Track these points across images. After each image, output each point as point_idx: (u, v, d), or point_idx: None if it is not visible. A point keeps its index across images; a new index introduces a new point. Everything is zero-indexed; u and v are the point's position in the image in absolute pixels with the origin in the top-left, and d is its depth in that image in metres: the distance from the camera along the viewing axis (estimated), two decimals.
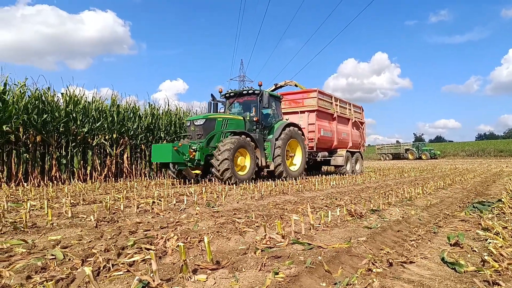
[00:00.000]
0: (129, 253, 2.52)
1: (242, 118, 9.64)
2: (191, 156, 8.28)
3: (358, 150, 15.42)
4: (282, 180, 9.62)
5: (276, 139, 9.89)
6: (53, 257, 2.43)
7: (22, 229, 3.26)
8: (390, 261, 2.43)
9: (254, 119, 9.85)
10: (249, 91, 10.18)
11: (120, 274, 2.12)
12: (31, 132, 8.91)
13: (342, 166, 13.49)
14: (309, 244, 2.77)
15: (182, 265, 2.07)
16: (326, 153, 13.38)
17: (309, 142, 12.30)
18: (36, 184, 8.58)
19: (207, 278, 2.05)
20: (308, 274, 2.14)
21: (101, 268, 2.20)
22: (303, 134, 11.21)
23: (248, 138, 8.97)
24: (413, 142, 55.76)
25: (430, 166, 24.51)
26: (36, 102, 9.16)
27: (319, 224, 3.55)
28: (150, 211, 4.41)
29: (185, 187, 7.59)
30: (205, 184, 8.31)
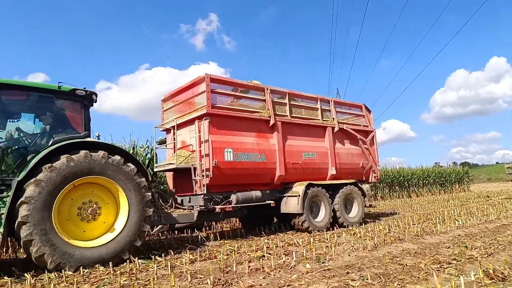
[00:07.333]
0: None
1: None
2: None
3: (353, 181, 8.87)
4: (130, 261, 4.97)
5: (21, 183, 4.55)
6: None
7: None
8: None
9: None
10: None
11: None
12: None
13: (299, 214, 7.51)
14: None
15: None
16: (258, 193, 7.37)
17: (200, 176, 6.64)
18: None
19: None
20: None
21: None
22: (126, 160, 5.33)
23: None
24: None
25: None
26: None
27: None
28: (261, 270, 4.44)
29: (292, 237, 7.46)
30: (312, 234, 8.02)
